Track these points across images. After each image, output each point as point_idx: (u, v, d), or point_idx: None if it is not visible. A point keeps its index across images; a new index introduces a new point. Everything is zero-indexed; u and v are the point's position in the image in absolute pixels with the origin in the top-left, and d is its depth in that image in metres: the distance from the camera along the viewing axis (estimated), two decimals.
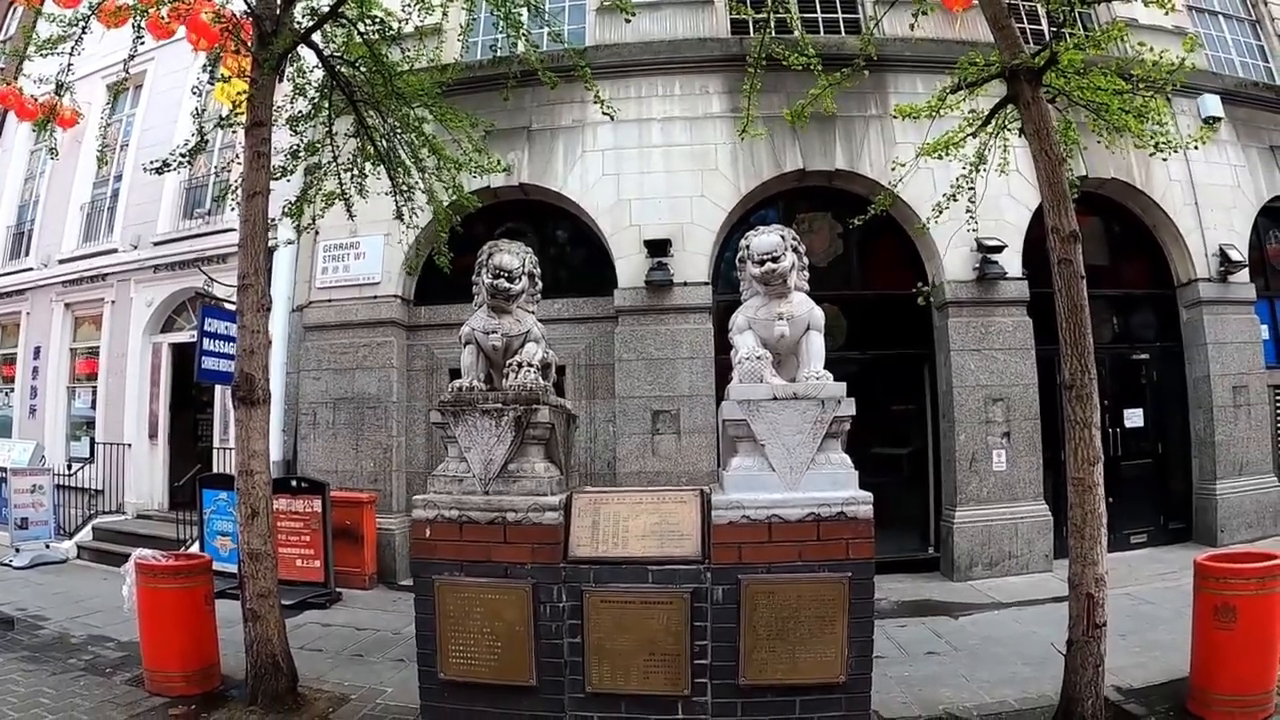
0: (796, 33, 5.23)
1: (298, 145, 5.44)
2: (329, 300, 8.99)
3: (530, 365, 3.49)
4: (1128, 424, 8.22)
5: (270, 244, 8.85)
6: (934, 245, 7.67)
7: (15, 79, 5.89)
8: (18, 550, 7.72)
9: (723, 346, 8.29)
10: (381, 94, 5.05)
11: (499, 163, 6.80)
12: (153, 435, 9.70)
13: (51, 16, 4.29)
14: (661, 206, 8.07)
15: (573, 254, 8.69)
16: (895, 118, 6.30)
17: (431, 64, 6.16)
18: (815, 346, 3.28)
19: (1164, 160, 7.22)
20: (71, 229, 11.08)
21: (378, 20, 4.82)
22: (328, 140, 5.69)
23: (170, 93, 10.00)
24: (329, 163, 5.66)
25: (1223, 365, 8.15)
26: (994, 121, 4.81)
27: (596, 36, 8.98)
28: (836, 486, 3.06)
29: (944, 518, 7.29)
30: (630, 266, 7.97)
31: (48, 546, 7.99)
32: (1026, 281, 7.61)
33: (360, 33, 4.80)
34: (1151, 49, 4.92)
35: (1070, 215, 3.83)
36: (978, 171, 5.43)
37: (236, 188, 4.81)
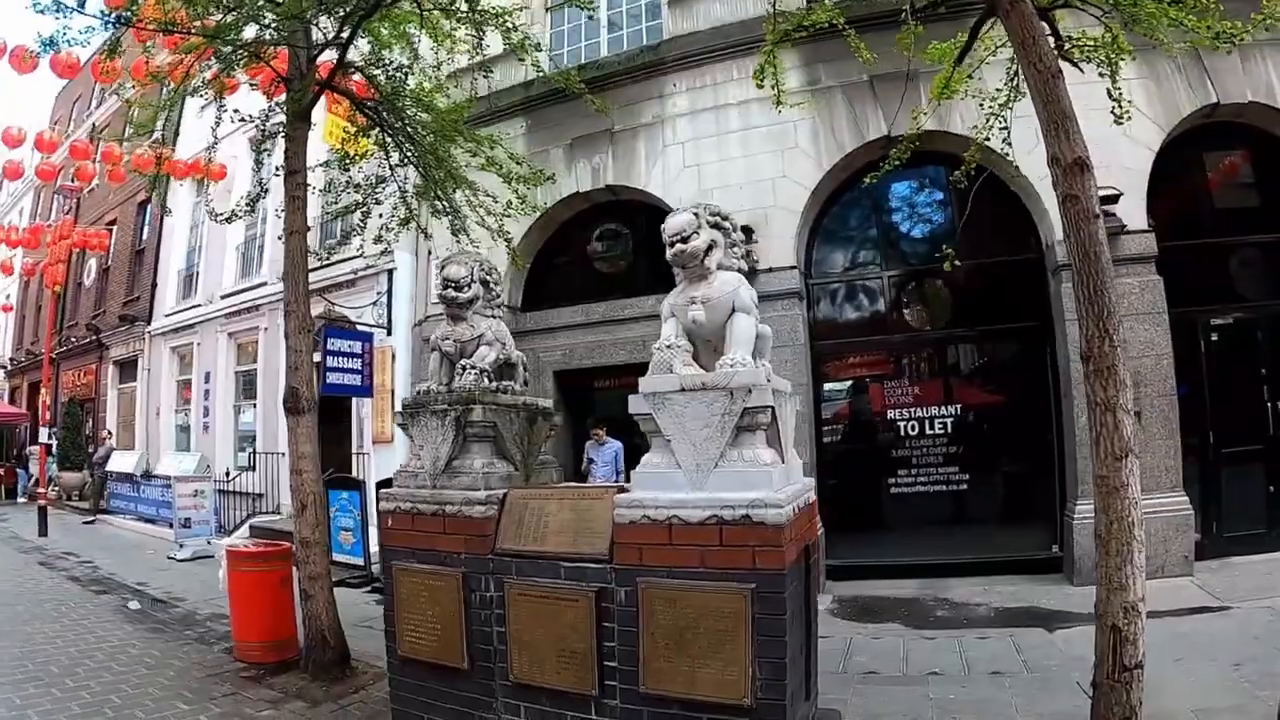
0: None
1: (359, 180, 5.73)
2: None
3: (474, 368, 3.50)
4: None
5: (389, 267, 9.70)
6: (1042, 202, 6.59)
7: (169, 146, 6.75)
8: (181, 545, 9.35)
9: (819, 332, 7.81)
10: (414, 135, 5.13)
11: (553, 178, 6.75)
12: None
13: (146, 102, 4.85)
14: (743, 193, 7.73)
15: (660, 249, 8.39)
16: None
17: (487, 93, 6.22)
18: (739, 331, 2.93)
19: None
20: (230, 268, 12.82)
21: (393, 65, 4.90)
22: (390, 174, 5.90)
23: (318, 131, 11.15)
24: (394, 194, 5.89)
25: None
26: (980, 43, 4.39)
27: (670, 29, 8.68)
28: (746, 487, 2.69)
29: (1066, 512, 6.41)
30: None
31: (208, 543, 9.37)
32: (1153, 234, 6.31)
33: (379, 78, 4.90)
34: None
35: (1073, 140, 3.22)
36: (1009, 106, 4.46)
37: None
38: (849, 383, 8.18)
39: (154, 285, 14.70)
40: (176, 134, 11.79)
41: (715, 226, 3.09)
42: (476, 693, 3.27)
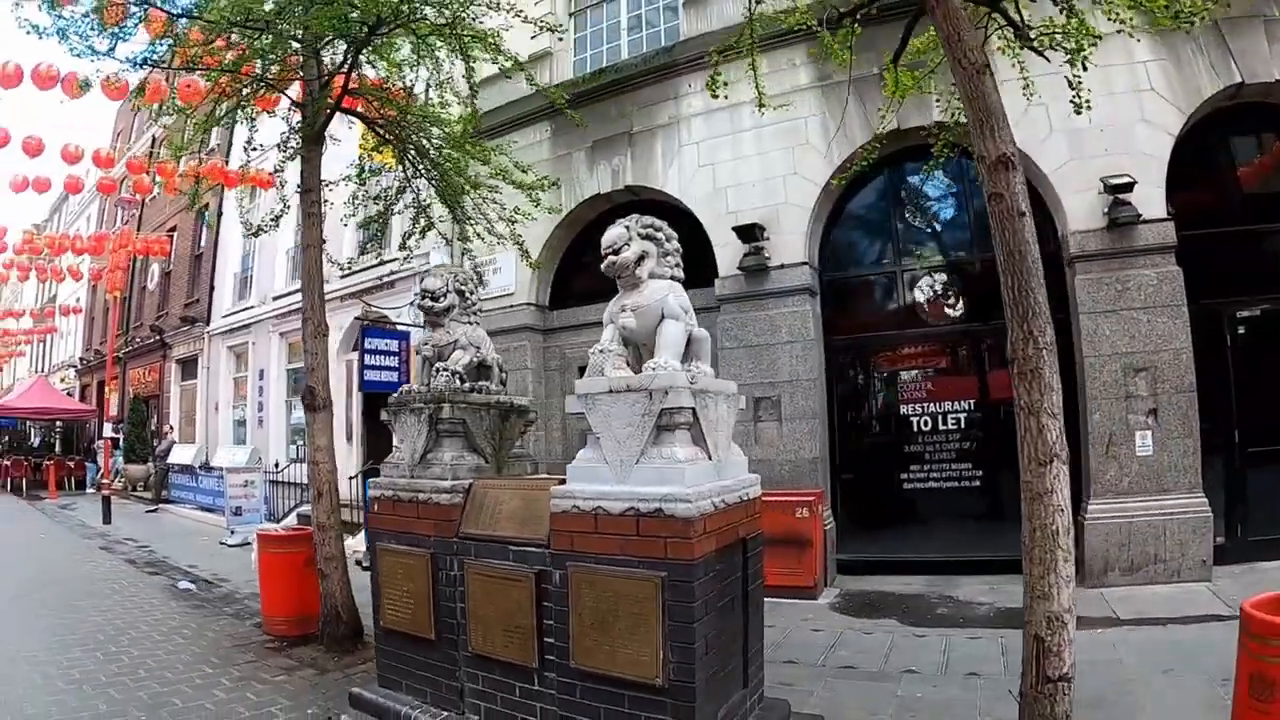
0: None
1: (377, 192, 6.27)
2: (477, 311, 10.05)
3: (446, 370, 3.88)
4: None
5: (425, 268, 10.32)
6: (1055, 193, 6.68)
7: (224, 159, 7.49)
8: (232, 532, 10.25)
9: (832, 327, 7.99)
10: (420, 148, 5.61)
11: (558, 183, 7.15)
12: (349, 438, 12.05)
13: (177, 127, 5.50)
14: (756, 190, 8.06)
15: (682, 248, 8.68)
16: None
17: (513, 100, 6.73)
18: (666, 335, 3.23)
19: None
20: (280, 271, 13.66)
21: (398, 86, 5.38)
22: (409, 184, 6.40)
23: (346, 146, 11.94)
24: (412, 204, 6.40)
25: None
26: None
27: (686, 30, 8.95)
28: (661, 482, 2.97)
29: (1080, 512, 6.29)
30: (728, 255, 8.12)
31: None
32: (1172, 223, 6.23)
33: (386, 96, 5.38)
34: None
35: (997, 137, 3.22)
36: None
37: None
38: (863, 378, 8.34)
39: (211, 288, 16.00)
40: (229, 146, 12.79)
41: (647, 238, 3.39)
42: (443, 662, 3.72)
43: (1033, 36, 4.45)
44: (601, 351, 3.21)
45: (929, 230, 7.97)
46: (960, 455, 7.27)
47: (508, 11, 5.24)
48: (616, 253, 3.29)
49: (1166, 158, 6.27)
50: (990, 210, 3.27)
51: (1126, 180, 6.07)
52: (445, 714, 3.66)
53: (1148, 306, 6.16)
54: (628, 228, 3.36)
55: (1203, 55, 6.30)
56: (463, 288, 4.18)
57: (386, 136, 5.87)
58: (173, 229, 17.56)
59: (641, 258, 3.32)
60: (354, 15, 4.41)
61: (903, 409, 7.56)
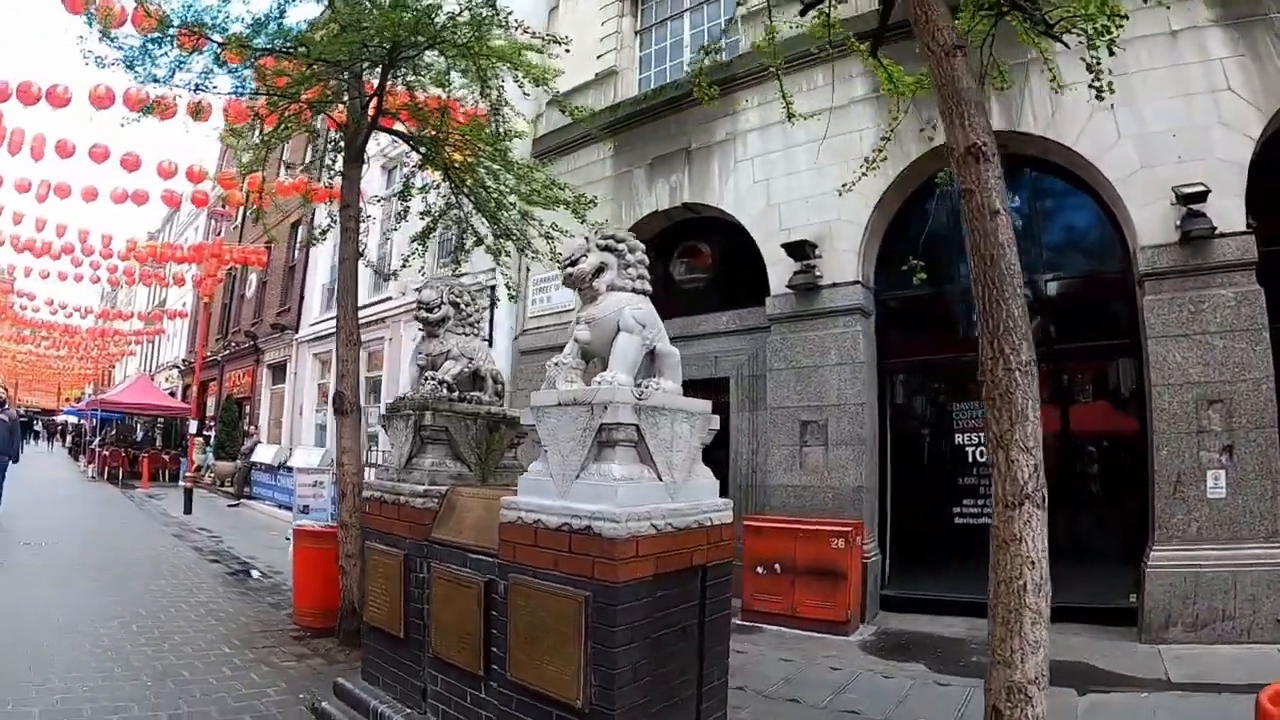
0: None
1: (423, 209, 6.74)
2: (537, 328, 10.61)
3: (433, 379, 4.15)
4: None
5: (491, 283, 10.83)
6: (1125, 206, 6.30)
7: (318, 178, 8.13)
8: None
9: (887, 350, 7.82)
10: (450, 166, 6.01)
11: (594, 201, 7.46)
12: None
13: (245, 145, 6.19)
14: (808, 206, 8.05)
15: (737, 265, 9.14)
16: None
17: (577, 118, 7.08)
18: (619, 349, 3.29)
19: None
20: (363, 283, 14.45)
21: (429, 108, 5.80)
22: (457, 200, 6.85)
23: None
24: (458, 219, 6.82)
25: None
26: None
27: (744, 45, 8.99)
28: (595, 499, 3.01)
29: (1143, 558, 5.94)
30: (780, 273, 8.18)
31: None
32: (1253, 237, 5.71)
33: (422, 113, 5.81)
34: None
35: (968, 126, 3.02)
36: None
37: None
38: (918, 404, 8.04)
39: (301, 297, 17.43)
40: (321, 164, 14.01)
41: (607, 249, 3.46)
42: (411, 660, 3.94)
43: (1052, 23, 4.23)
44: (557, 364, 3.33)
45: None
46: None
47: (523, 31, 5.54)
48: (574, 264, 3.39)
49: (1246, 164, 5.78)
50: (963, 209, 3.06)
51: (1200, 189, 5.66)
52: (409, 711, 3.87)
53: (1224, 330, 5.66)
54: (587, 239, 3.47)
55: None
56: (458, 300, 4.45)
57: (425, 153, 6.29)
58: (270, 240, 19.30)
59: (600, 270, 3.40)
60: (374, 41, 4.81)
61: (957, 438, 7.27)
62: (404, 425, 4.20)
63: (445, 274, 12.38)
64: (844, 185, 6.27)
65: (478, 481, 4.25)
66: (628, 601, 2.90)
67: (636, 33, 10.71)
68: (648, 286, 3.56)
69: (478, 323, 4.55)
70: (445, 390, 4.23)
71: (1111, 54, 4.55)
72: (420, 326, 4.50)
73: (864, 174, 5.88)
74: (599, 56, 10.59)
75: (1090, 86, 4.60)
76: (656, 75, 10.32)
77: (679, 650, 3.20)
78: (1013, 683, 2.67)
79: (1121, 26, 4.49)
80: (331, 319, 16.33)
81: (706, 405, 3.57)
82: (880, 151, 5.90)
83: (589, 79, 10.45)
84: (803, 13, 4.74)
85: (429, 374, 4.33)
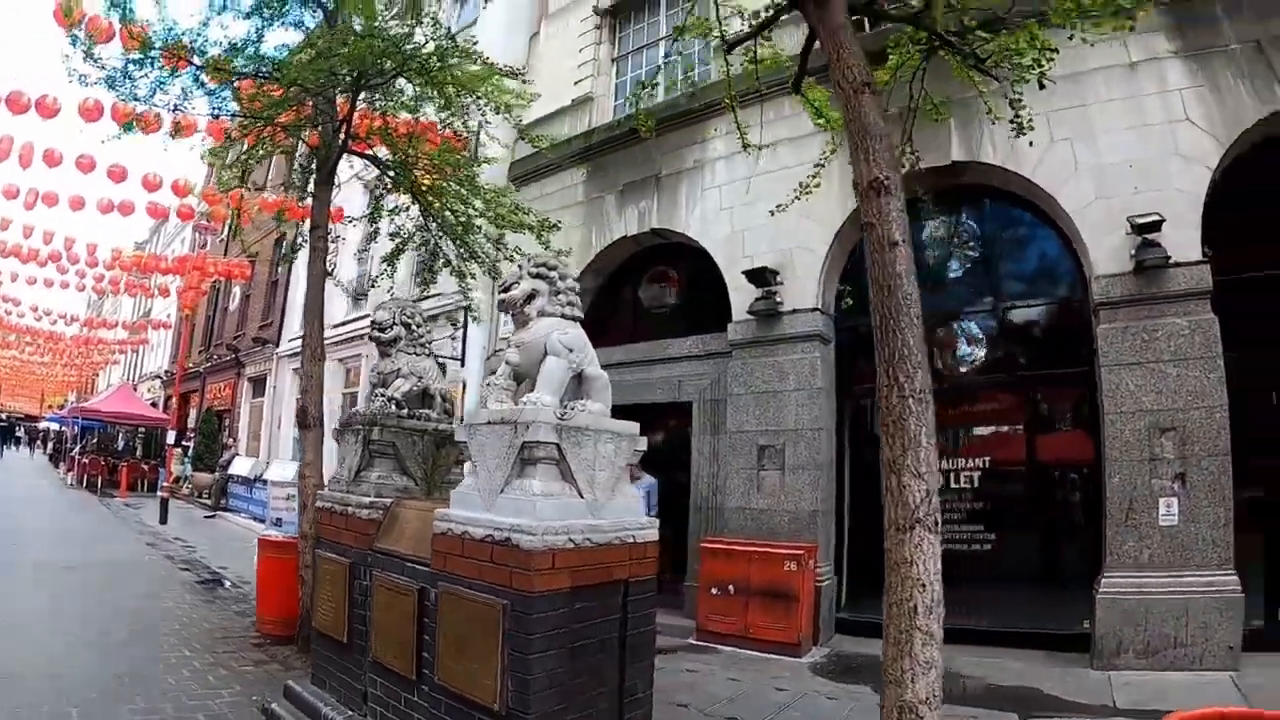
0: None
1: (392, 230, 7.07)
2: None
3: (383, 395, 4.42)
4: None
5: (465, 304, 11.14)
6: (1082, 236, 6.58)
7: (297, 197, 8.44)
8: None
9: (848, 376, 8.10)
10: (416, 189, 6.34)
11: (559, 225, 7.79)
12: None
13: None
14: (771, 234, 8.24)
15: (703, 291, 9.39)
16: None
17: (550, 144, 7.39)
18: (546, 371, 3.54)
19: None
20: (340, 301, 14.87)
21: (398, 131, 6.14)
22: (425, 224, 7.17)
23: None
24: (424, 242, 7.15)
25: None
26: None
27: (714, 74, 9.34)
28: (515, 513, 3.25)
29: (1094, 585, 6.13)
30: (742, 299, 8.38)
31: None
32: (1208, 266, 5.91)
33: (386, 142, 6.15)
34: None
35: (873, 160, 3.21)
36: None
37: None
38: (877, 429, 8.26)
39: (282, 312, 17.74)
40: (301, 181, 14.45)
41: (538, 276, 3.72)
42: (353, 665, 4.18)
43: (983, 57, 4.48)
44: (489, 384, 3.62)
45: (946, 280, 7.91)
46: (971, 516, 7.15)
47: (481, 64, 5.89)
48: (507, 290, 3.68)
49: (1203, 194, 6.02)
50: (865, 240, 3.25)
51: (1154, 219, 5.88)
52: (351, 714, 4.10)
53: (1178, 358, 5.86)
54: (520, 266, 3.76)
55: (1244, 80, 6.07)
56: (410, 321, 4.74)
57: (394, 177, 6.63)
58: (253, 255, 19.67)
59: (532, 296, 3.67)
60: (344, 69, 5.17)
61: None
62: (354, 439, 4.47)
63: (417, 295, 12.73)
64: (778, 206, 6.49)
65: (422, 495, 4.50)
66: (543, 611, 3.13)
67: (613, 60, 11.09)
68: (578, 313, 3.82)
69: (428, 343, 4.84)
70: (394, 407, 4.50)
71: (1042, 87, 4.80)
72: (376, 346, 4.79)
73: (797, 198, 6.10)
74: (575, 83, 10.95)
75: (1011, 123, 4.90)
76: (632, 102, 10.62)
77: (598, 661, 3.40)
78: (904, 702, 2.79)
79: (1052, 61, 4.72)
80: (354, 319, 16.76)
81: (633, 427, 3.78)
82: (814, 178, 6.16)
83: (566, 105, 10.81)
84: (727, 52, 5.04)
85: (379, 391, 4.61)
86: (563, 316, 3.74)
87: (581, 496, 3.45)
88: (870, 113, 3.27)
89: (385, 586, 3.93)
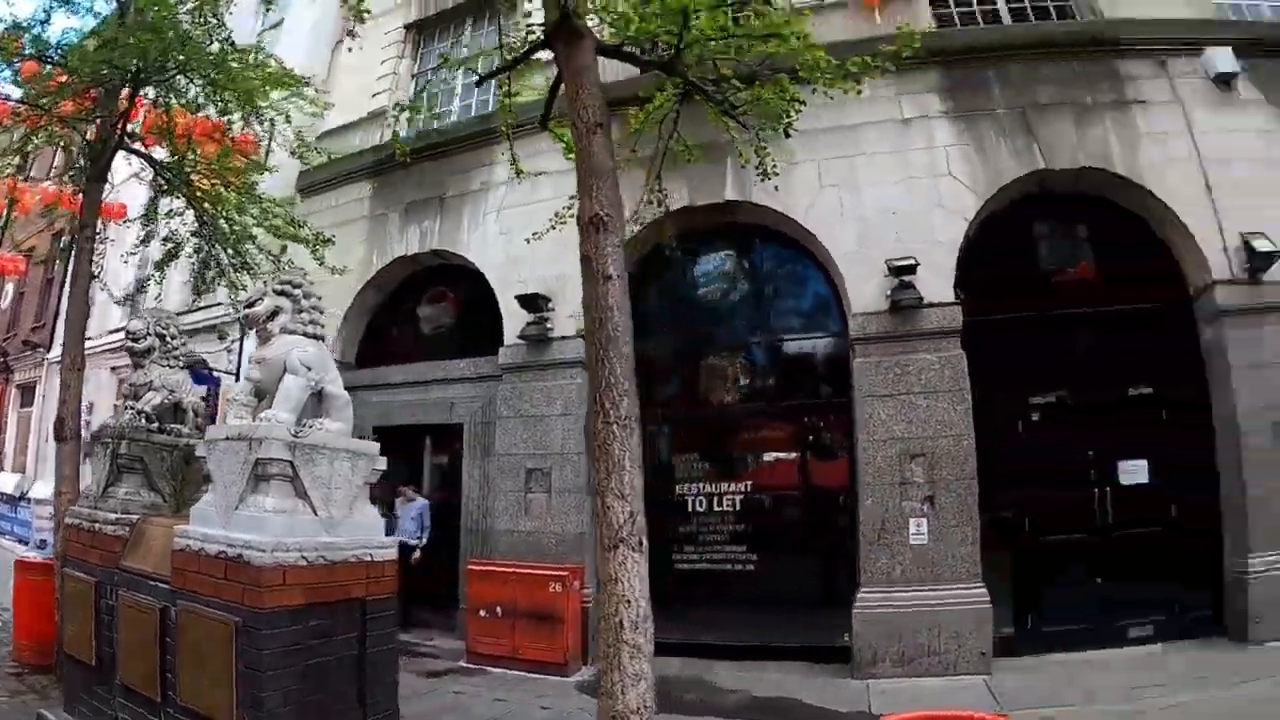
0: None
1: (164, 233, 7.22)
2: None
3: (132, 409, 4.68)
4: (1124, 480, 7.03)
5: (239, 315, 11.15)
6: (844, 276, 7.45)
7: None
8: None
9: None
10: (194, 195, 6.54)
11: (332, 240, 8.06)
12: None
13: None
14: (545, 261, 8.29)
15: (479, 314, 9.52)
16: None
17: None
18: (284, 388, 3.86)
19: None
20: (115, 307, 14.35)
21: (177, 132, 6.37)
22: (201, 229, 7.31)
23: None
24: (198, 249, 7.31)
25: (1258, 396, 6.63)
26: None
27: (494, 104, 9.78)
28: (250, 530, 3.52)
29: (851, 601, 6.79)
30: (515, 324, 8.65)
31: None
32: (959, 308, 6.91)
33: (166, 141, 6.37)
34: None
35: (594, 198, 3.53)
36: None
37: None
38: (644, 456, 8.95)
39: (55, 314, 16.63)
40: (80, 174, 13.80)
41: (282, 294, 4.02)
42: (104, 690, 4.24)
43: (735, 105, 5.06)
44: (230, 400, 3.98)
45: (721, 313, 8.59)
46: (733, 538, 7.73)
47: (260, 66, 6.25)
48: (251, 306, 3.95)
49: (959, 242, 6.87)
50: (582, 272, 3.55)
51: (910, 262, 6.61)
52: None
53: (928, 391, 6.62)
54: (265, 283, 4.02)
55: (1006, 140, 7.07)
56: (165, 331, 4.86)
57: (168, 179, 6.85)
58: (32, 249, 18.41)
59: (275, 313, 3.97)
60: (124, 61, 5.41)
61: (678, 489, 8.03)
62: (103, 453, 4.54)
63: (191, 304, 11.97)
64: (534, 234, 6.90)
65: (171, 512, 4.63)
66: (276, 628, 3.33)
67: (413, 76, 11.13)
68: (320, 331, 4.14)
69: (183, 356, 4.99)
70: (144, 420, 4.61)
71: (788, 136, 5.54)
72: (129, 356, 5.00)
73: (552, 227, 6.60)
74: (373, 95, 10.94)
75: (755, 169, 5.55)
76: (427, 120, 10.24)
77: (337, 679, 3.58)
78: (616, 713, 3.02)
79: (799, 111, 5.28)
80: (88, 339, 15.99)
81: (373, 447, 4.08)
82: (570, 209, 6.75)
83: (361, 116, 10.81)
84: (478, 84, 5.53)
85: (129, 404, 4.70)
86: (305, 334, 4.04)
87: (316, 514, 3.71)
88: (599, 153, 3.59)
89: (130, 606, 4.05)
